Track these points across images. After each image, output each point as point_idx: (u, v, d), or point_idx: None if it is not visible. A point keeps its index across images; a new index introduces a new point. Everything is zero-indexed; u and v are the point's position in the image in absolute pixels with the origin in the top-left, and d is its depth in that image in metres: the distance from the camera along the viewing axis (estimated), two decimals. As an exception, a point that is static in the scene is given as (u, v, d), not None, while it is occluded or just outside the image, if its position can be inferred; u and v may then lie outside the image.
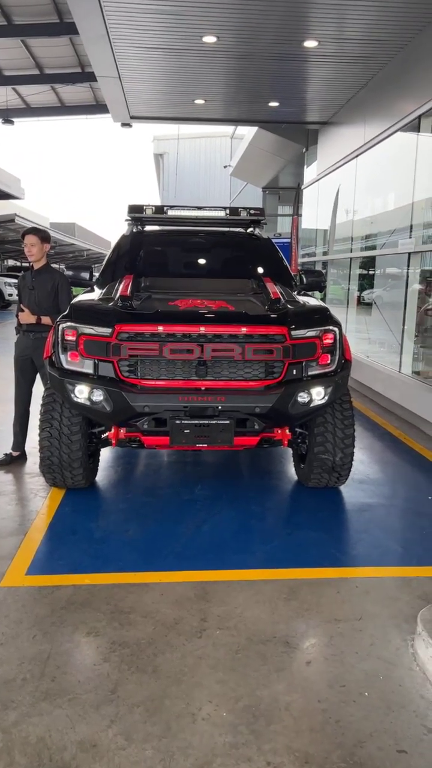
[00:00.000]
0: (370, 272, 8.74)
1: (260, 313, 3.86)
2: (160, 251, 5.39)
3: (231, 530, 3.67)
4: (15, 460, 4.76)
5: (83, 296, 4.41)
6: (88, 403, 3.65)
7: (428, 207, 6.25)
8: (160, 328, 3.59)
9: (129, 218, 5.46)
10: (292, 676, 2.36)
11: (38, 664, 2.40)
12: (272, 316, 3.80)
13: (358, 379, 7.67)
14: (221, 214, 5.47)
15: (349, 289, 9.31)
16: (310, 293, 4.92)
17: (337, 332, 3.86)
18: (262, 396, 3.62)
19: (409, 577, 3.15)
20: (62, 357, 3.72)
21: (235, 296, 4.26)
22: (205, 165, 28.75)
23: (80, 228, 44.29)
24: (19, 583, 2.99)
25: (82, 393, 3.65)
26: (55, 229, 28.96)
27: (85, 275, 4.88)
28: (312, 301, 4.42)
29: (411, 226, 6.60)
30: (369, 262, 8.68)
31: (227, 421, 3.57)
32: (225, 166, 23.78)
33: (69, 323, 3.72)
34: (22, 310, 4.61)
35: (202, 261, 5.37)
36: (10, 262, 36.34)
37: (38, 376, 4.75)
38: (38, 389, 4.57)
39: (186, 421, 3.56)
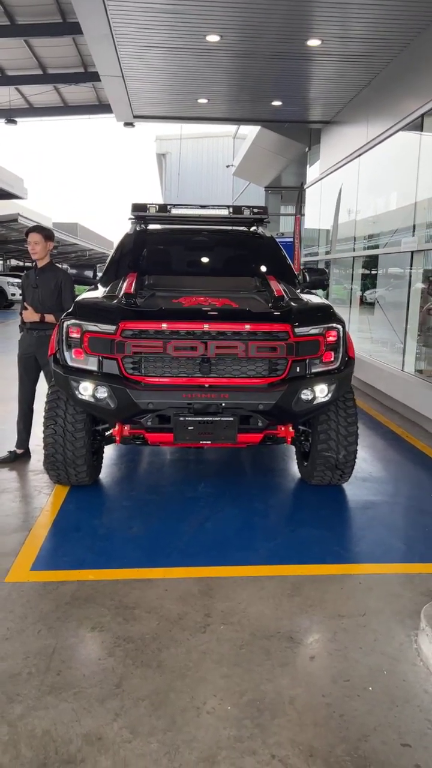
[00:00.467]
0: (373, 271, 8.74)
1: (264, 311, 3.86)
2: (164, 249, 5.40)
3: (234, 527, 3.68)
4: (19, 458, 4.78)
5: (87, 294, 4.43)
6: (92, 400, 3.66)
7: (431, 206, 6.25)
8: (164, 326, 3.60)
9: (132, 217, 5.47)
10: (296, 671, 2.37)
11: (43, 659, 2.41)
12: (276, 313, 3.81)
13: (361, 378, 7.68)
14: (225, 212, 5.48)
15: (351, 289, 9.31)
16: (313, 291, 4.93)
17: (341, 330, 3.86)
18: (266, 393, 3.63)
19: (412, 573, 3.16)
20: (66, 354, 3.73)
21: (239, 294, 4.27)
22: (208, 165, 28.78)
23: (83, 228, 44.36)
24: (24, 579, 3.01)
25: (86, 390, 3.66)
26: (58, 228, 28.98)
27: (89, 273, 4.90)
28: (315, 298, 4.43)
29: (414, 225, 6.60)
30: (371, 262, 8.68)
31: (231, 418, 3.58)
32: (227, 166, 23.79)
33: (73, 320, 3.73)
34: (26, 308, 4.62)
35: (205, 259, 5.38)
36: (13, 262, 36.42)
37: (41, 374, 4.77)
38: (42, 387, 4.58)
39: (190, 418, 3.57)
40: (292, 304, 3.97)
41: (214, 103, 9.58)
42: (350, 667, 2.41)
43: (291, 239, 13.96)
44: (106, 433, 4.14)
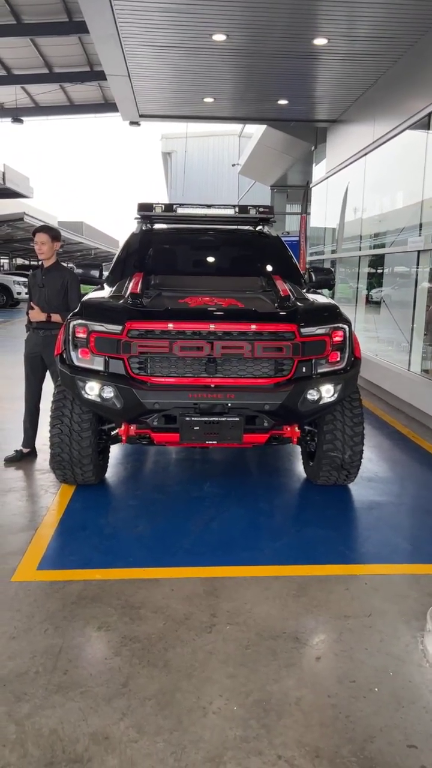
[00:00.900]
0: (379, 271, 8.72)
1: (270, 311, 3.86)
2: (170, 249, 5.40)
3: (240, 527, 3.69)
4: (25, 457, 4.80)
5: (93, 294, 4.44)
6: (98, 399, 3.67)
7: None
8: (170, 326, 3.60)
9: (138, 216, 5.48)
10: (302, 672, 2.38)
11: (50, 658, 2.42)
12: (282, 313, 3.81)
13: (367, 378, 7.66)
14: (230, 212, 5.48)
15: (357, 288, 9.29)
16: (319, 291, 4.92)
17: (347, 329, 3.86)
18: (272, 393, 3.63)
19: (419, 574, 3.15)
20: (73, 354, 3.74)
21: (245, 294, 4.27)
22: (213, 163, 28.78)
23: (88, 227, 44.37)
24: (30, 578, 3.02)
25: (92, 390, 3.67)
26: (64, 227, 28.97)
27: (95, 273, 4.91)
28: (321, 298, 4.43)
29: (420, 224, 6.58)
30: (378, 261, 8.66)
31: (237, 418, 3.59)
32: (233, 165, 23.79)
33: (80, 320, 3.74)
34: (33, 308, 4.64)
35: (211, 259, 5.38)
36: (19, 261, 36.49)
37: (48, 374, 4.78)
38: (48, 386, 4.60)
39: (196, 418, 3.58)
40: (298, 304, 3.97)
41: (220, 102, 9.57)
42: (356, 667, 2.41)
43: (297, 238, 13.94)
44: (112, 433, 4.15)
